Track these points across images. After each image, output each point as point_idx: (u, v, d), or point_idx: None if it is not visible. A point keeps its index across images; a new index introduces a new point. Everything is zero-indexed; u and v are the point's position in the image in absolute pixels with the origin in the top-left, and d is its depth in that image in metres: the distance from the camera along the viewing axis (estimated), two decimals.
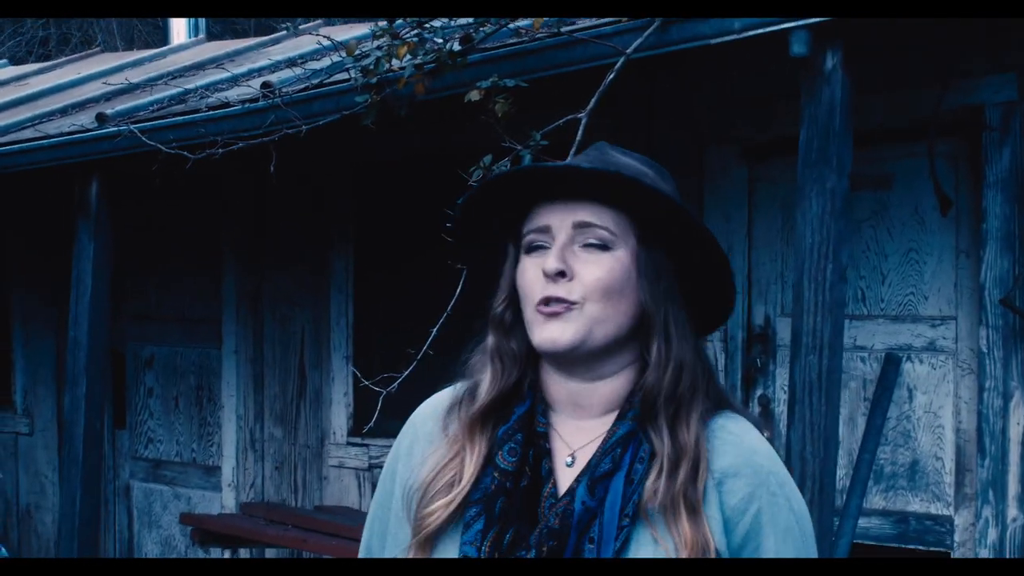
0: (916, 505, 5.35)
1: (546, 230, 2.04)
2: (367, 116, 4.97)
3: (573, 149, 4.30)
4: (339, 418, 7.30)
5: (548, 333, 2.00)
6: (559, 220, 2.03)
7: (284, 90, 5.36)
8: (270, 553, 7.54)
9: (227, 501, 7.78)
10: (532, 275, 2.03)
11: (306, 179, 7.29)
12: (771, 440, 5.67)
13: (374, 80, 4.88)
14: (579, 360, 2.03)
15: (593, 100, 4.33)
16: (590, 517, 1.98)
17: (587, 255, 2.01)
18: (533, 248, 2.05)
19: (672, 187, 2.11)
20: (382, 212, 7.11)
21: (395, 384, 4.38)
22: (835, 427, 4.19)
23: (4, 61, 11.70)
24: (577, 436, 2.06)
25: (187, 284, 8.18)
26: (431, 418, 2.18)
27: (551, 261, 2.00)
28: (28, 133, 6.87)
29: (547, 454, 2.05)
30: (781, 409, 5.65)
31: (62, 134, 6.37)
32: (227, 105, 5.61)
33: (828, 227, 4.13)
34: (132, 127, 5.77)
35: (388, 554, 2.16)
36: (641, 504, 1.97)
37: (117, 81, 7.27)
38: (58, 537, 6.67)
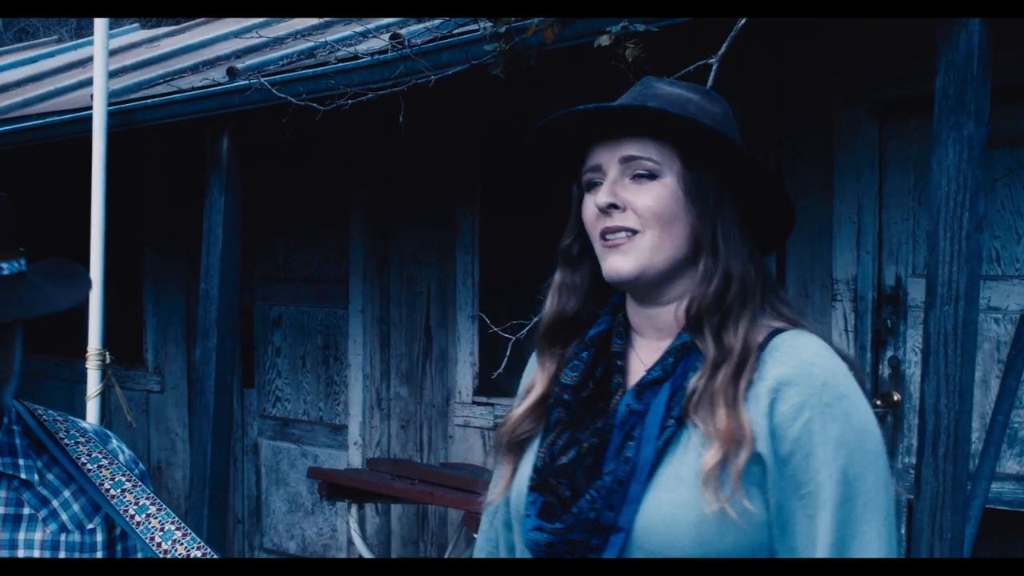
0: None
1: (598, 168, 2.16)
2: (496, 66, 4.95)
3: None
4: (464, 377, 7.32)
5: (612, 264, 2.13)
6: (607, 158, 2.16)
7: (413, 41, 5.36)
8: (396, 509, 7.59)
9: (353, 459, 7.84)
10: (591, 211, 2.16)
11: (434, 139, 7.30)
12: (899, 403, 5.58)
13: (503, 29, 4.86)
14: (644, 288, 2.16)
15: (724, 45, 4.27)
16: (636, 419, 2.08)
17: (637, 186, 2.13)
18: (591, 185, 2.18)
19: (721, 109, 2.20)
20: (509, 170, 7.09)
21: (523, 331, 4.37)
22: (970, 380, 4.09)
23: (136, 24, 11.86)
24: (653, 356, 2.17)
25: (314, 245, 8.25)
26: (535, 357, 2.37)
27: (601, 196, 2.14)
28: (161, 89, 6.96)
29: (619, 371, 2.17)
30: (912, 371, 5.55)
31: (194, 88, 6.44)
32: (356, 58, 5.62)
33: (965, 175, 4.03)
34: (262, 80, 5.82)
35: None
36: (687, 408, 2.06)
37: (247, 39, 7.34)
38: (189, 491, 6.76)
